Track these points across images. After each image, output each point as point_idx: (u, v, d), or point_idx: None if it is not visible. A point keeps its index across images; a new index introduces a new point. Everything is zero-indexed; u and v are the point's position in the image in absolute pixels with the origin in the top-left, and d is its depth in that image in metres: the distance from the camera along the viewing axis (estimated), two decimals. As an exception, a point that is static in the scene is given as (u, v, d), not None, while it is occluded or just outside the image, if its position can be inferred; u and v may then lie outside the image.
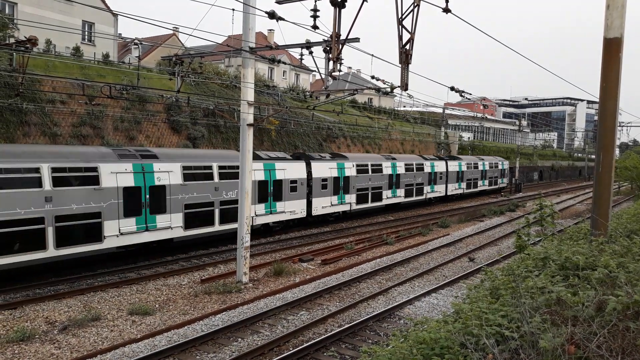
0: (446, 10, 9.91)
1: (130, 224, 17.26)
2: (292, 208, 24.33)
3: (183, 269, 17.74)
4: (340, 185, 27.86)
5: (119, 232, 16.89)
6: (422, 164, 36.59)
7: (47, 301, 13.93)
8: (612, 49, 8.34)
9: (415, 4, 8.96)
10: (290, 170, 24.26)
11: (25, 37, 18.42)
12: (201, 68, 29.73)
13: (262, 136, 33.14)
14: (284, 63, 17.05)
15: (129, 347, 10.82)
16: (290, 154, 27.73)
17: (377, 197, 31.16)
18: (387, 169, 32.05)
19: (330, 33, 10.72)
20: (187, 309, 13.71)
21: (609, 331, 4.17)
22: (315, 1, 11.31)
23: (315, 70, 21.43)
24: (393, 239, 23.65)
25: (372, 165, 30.71)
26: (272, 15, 11.56)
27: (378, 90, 22.34)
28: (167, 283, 16.15)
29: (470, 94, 22.64)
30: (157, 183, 18.16)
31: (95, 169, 16.29)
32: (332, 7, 10.42)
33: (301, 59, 15.29)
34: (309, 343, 10.98)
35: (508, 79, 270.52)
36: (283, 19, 11.69)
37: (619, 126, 43.93)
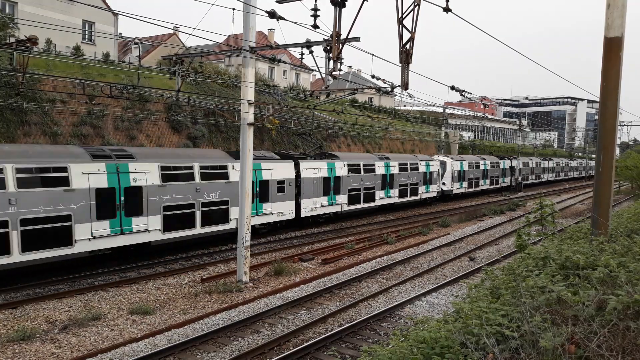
0: (447, 9, 9.92)
1: None
2: (435, 189, 38.37)
3: (183, 268, 17.75)
4: (461, 176, 42.08)
5: None
6: (508, 161, 52.13)
7: (47, 300, 13.93)
8: (613, 48, 8.33)
9: (416, 4, 8.96)
10: (434, 166, 37.95)
11: (26, 37, 18.45)
12: (201, 67, 29.73)
13: (263, 135, 33.14)
14: (284, 62, 17.04)
15: (129, 347, 10.83)
16: (439, 155, 43.41)
17: (477, 184, 45.70)
18: (482, 165, 46.43)
19: (331, 32, 10.73)
20: (188, 309, 13.71)
21: (610, 330, 4.17)
22: (316, 1, 11.32)
23: (315, 70, 21.47)
24: (393, 239, 23.65)
25: (475, 163, 45.22)
26: (272, 14, 11.55)
27: (378, 89, 22.30)
28: (167, 282, 16.16)
29: (471, 94, 22.62)
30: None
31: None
32: (333, 7, 10.42)
33: (301, 58, 15.28)
34: (310, 342, 10.98)
35: (508, 78, 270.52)
36: (283, 19, 11.68)
37: (620, 125, 43.94)
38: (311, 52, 14.58)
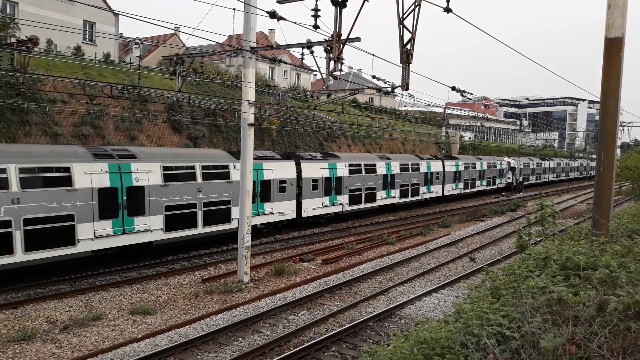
0: (447, 9, 9.92)
1: None
2: (505, 181, 50.83)
3: (184, 268, 17.76)
4: (519, 172, 53.96)
5: None
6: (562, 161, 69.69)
7: (48, 301, 13.94)
8: (614, 48, 8.32)
9: (416, 4, 8.96)
10: (505, 164, 50.60)
11: (27, 37, 18.47)
12: (202, 68, 29.73)
13: (263, 136, 33.13)
14: (285, 63, 17.04)
15: (130, 347, 10.83)
16: (504, 157, 54.83)
17: (528, 179, 57.17)
18: (531, 165, 58.38)
19: (331, 33, 10.73)
20: (188, 309, 13.72)
21: (610, 331, 4.17)
22: (316, 1, 11.32)
23: (316, 70, 21.54)
24: (394, 239, 23.64)
25: (527, 163, 57.02)
26: (273, 15, 11.55)
27: (379, 90, 22.33)
28: (168, 282, 16.17)
29: (471, 94, 22.59)
30: None
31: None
32: (333, 7, 10.42)
33: (302, 58, 15.28)
34: (310, 343, 10.98)
35: (509, 79, 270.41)
36: (284, 19, 11.68)
37: (620, 126, 43.94)
38: (312, 52, 14.57)
